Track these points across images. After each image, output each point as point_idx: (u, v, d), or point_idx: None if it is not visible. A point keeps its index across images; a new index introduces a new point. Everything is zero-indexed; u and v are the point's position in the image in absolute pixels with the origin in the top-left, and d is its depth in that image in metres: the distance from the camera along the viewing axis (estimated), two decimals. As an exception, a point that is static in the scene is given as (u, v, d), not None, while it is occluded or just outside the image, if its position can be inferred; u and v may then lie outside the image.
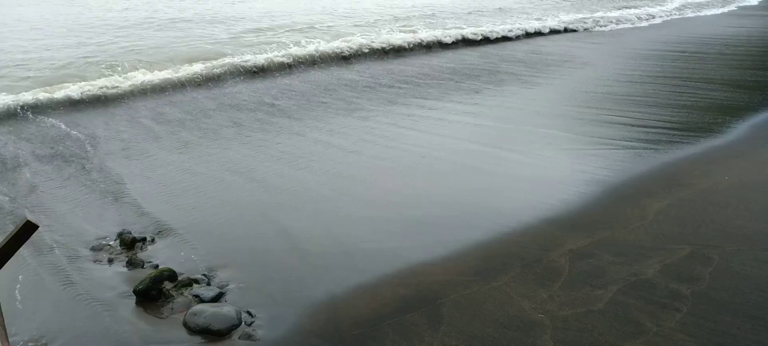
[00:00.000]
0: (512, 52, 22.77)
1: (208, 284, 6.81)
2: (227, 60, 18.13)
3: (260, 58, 18.43)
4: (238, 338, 5.93)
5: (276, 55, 18.79)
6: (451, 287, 6.75)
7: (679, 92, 16.28)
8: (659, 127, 13.01)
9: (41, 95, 14.09)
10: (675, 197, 9.27)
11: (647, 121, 13.44)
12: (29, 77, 15.97)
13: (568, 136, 12.38)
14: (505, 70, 19.22)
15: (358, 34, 22.88)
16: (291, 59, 18.93)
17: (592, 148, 11.58)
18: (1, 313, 3.91)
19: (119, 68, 16.90)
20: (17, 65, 17.57)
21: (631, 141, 12.09)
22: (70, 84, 15.10)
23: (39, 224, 4.21)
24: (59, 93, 14.37)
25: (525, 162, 10.79)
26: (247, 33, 23.77)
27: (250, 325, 6.10)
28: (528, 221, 8.43)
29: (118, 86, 15.25)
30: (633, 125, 13.12)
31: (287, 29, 24.87)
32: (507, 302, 6.46)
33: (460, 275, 7.02)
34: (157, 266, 7.06)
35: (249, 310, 6.30)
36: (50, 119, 13.16)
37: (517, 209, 8.86)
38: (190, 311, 6.23)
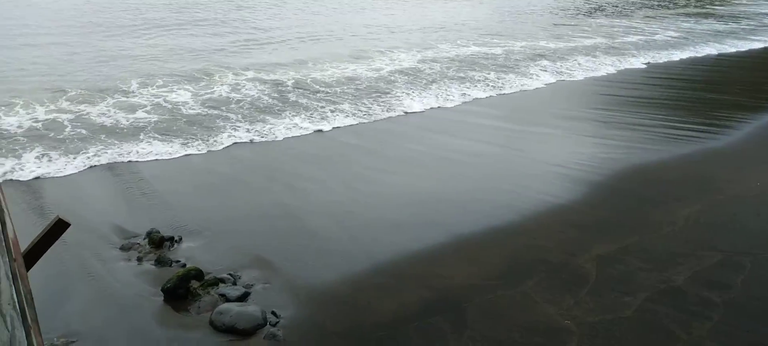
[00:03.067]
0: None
1: (234, 283, 6.88)
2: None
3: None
4: (263, 337, 5.97)
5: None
6: (474, 290, 6.70)
7: (706, 97, 15.98)
8: (688, 131, 12.76)
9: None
10: (705, 202, 9.06)
11: (675, 125, 13.18)
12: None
13: (593, 139, 12.21)
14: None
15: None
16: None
17: (619, 151, 11.39)
18: (34, 308, 4.00)
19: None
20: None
21: (659, 144, 11.87)
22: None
23: (70, 222, 4.30)
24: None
25: (548, 164, 10.65)
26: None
27: (274, 325, 6.14)
28: (552, 225, 8.33)
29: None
30: (660, 128, 12.88)
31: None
32: (532, 307, 6.39)
33: (484, 278, 6.97)
34: (184, 265, 7.16)
35: (274, 310, 6.35)
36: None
37: (540, 212, 8.76)
38: (216, 309, 6.30)
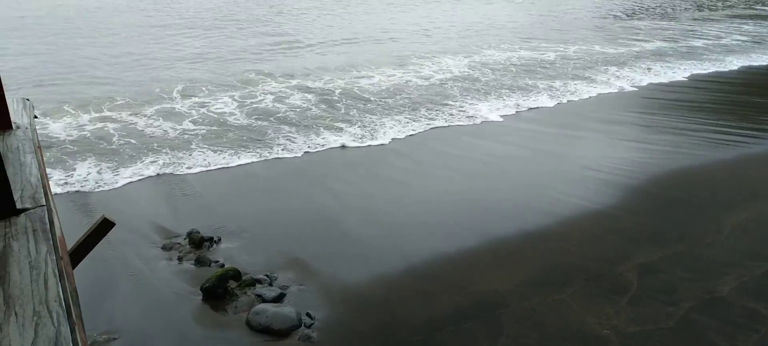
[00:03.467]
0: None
1: (270, 284, 6.97)
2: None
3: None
4: (298, 339, 6.03)
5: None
6: (510, 297, 6.61)
7: (755, 101, 15.36)
8: (738, 136, 12.31)
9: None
10: (755, 210, 8.72)
11: (724, 129, 12.73)
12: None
13: (636, 145, 11.90)
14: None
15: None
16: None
17: (663, 157, 11.07)
18: (79, 306, 4.13)
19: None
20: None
21: (706, 149, 11.48)
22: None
23: (115, 222, 4.44)
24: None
25: (588, 169, 10.43)
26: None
27: (309, 327, 6.20)
28: (592, 231, 8.15)
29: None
30: (707, 133, 12.46)
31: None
32: (570, 315, 6.26)
33: (520, 285, 6.87)
34: (222, 265, 7.30)
35: (309, 312, 6.40)
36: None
37: (579, 217, 8.59)
38: (252, 310, 6.40)
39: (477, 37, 25.48)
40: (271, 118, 13.72)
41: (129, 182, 10.17)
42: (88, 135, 12.42)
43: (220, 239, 8.03)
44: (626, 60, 20.95)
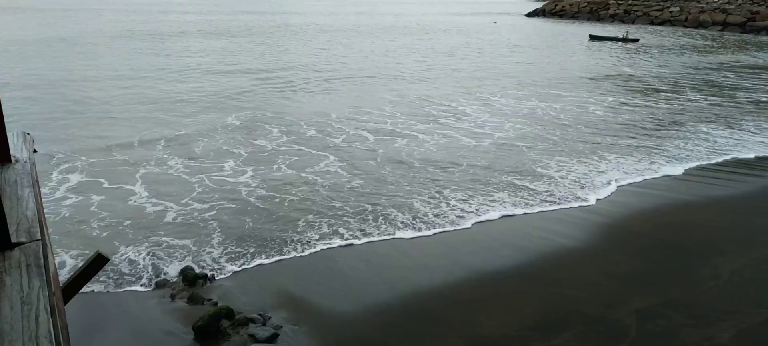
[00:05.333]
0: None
1: (264, 324, 6.85)
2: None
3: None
4: (291, 381, 5.90)
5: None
6: (508, 342, 6.52)
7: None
8: (732, 175, 12.38)
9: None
10: (751, 256, 8.70)
11: (716, 170, 12.82)
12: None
13: (630, 189, 11.94)
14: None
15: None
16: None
17: (656, 199, 11.10)
18: (69, 342, 4.05)
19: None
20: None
21: (698, 192, 11.51)
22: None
23: (110, 257, 4.39)
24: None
25: (583, 212, 10.43)
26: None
27: (302, 369, 6.07)
28: (587, 275, 8.10)
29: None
30: (701, 174, 12.54)
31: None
32: (568, 361, 6.16)
33: (518, 329, 6.77)
34: (216, 304, 7.19)
35: (302, 353, 6.28)
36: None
37: (574, 261, 8.54)
38: (245, 350, 6.28)
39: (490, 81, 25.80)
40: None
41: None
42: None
43: (213, 276, 7.93)
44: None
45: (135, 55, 30.98)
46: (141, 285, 7.75)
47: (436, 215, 10.28)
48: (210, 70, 26.52)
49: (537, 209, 10.66)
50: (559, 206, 10.82)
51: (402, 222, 9.95)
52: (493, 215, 10.37)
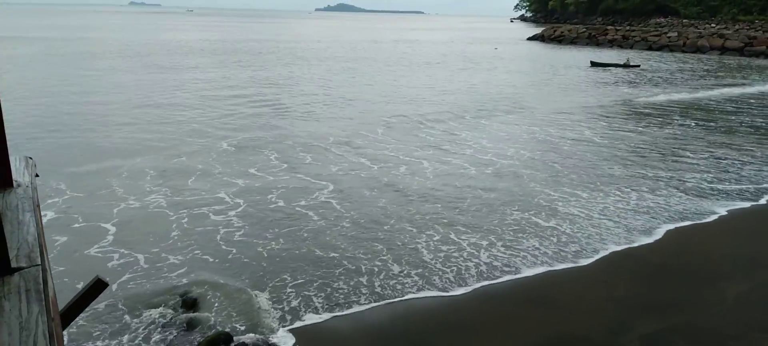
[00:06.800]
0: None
1: (263, 349, 6.77)
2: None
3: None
4: (291, 408, 5.80)
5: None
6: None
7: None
8: (736, 197, 12.33)
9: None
10: (757, 280, 8.63)
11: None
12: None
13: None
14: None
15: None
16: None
17: (660, 222, 11.04)
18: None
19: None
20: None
21: (703, 215, 11.47)
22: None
23: (108, 282, 4.34)
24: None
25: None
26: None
27: (303, 395, 5.97)
28: (591, 300, 8.02)
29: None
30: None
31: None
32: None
33: (523, 355, 6.68)
34: (213, 327, 7.11)
35: (303, 380, 6.19)
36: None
37: (578, 285, 8.47)
38: (244, 377, 6.18)
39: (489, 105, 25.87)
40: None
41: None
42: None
43: (213, 300, 7.85)
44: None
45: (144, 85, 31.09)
46: (140, 308, 7.65)
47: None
48: (211, 92, 26.66)
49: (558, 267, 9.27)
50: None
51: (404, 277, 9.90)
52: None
